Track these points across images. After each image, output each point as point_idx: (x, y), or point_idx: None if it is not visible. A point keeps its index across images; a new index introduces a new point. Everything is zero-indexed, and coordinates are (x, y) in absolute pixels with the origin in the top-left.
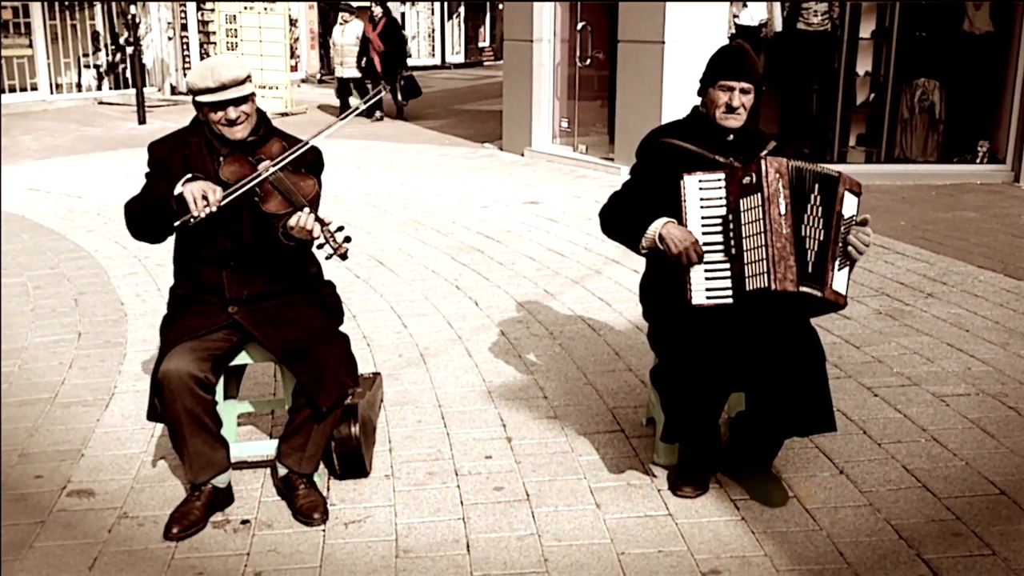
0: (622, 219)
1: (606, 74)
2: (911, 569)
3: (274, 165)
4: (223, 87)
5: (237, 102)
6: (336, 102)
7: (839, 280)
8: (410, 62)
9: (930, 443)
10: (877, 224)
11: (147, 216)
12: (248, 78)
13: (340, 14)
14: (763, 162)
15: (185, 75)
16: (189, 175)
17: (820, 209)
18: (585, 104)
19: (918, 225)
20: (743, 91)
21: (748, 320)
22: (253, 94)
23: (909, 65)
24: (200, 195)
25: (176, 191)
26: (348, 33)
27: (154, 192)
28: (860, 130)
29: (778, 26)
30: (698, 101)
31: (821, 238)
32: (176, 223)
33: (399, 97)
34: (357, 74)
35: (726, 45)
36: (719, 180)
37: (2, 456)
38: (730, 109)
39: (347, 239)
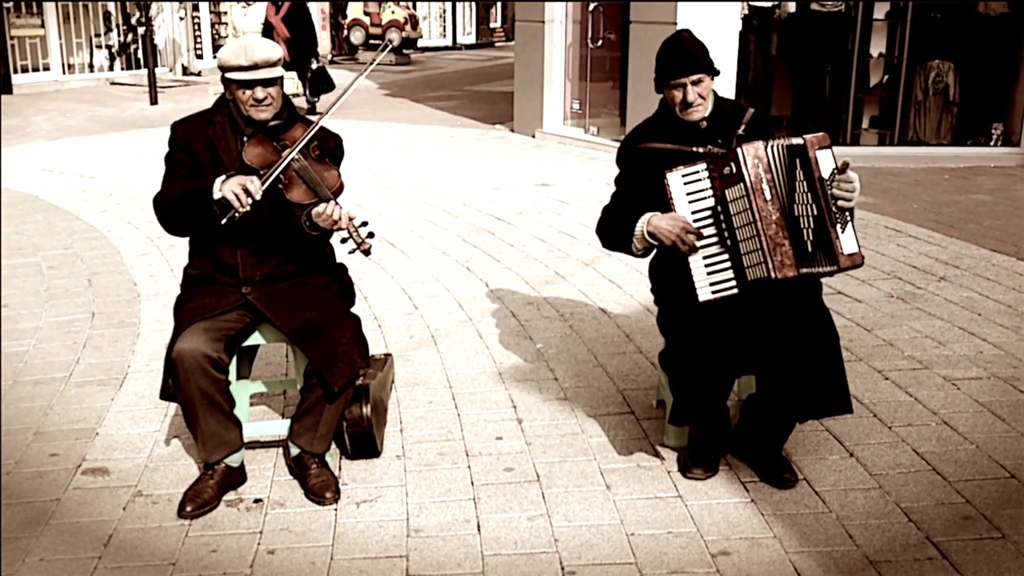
0: (615, 230)
1: (618, 55)
2: (920, 552)
3: (297, 145)
4: (255, 66)
5: (266, 83)
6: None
7: (847, 242)
8: (421, 43)
9: (941, 426)
10: (890, 207)
11: (187, 216)
12: (279, 61)
13: None
14: (739, 151)
15: (197, 56)
16: (223, 176)
17: (806, 184)
18: (597, 86)
19: (931, 208)
20: (694, 83)
21: (758, 301)
22: (282, 78)
23: (923, 47)
24: (241, 190)
25: (216, 195)
26: (251, 18)
27: (187, 189)
28: (873, 112)
29: (792, 7)
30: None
31: (815, 213)
32: (224, 221)
33: (306, 92)
34: None
35: (665, 41)
36: (701, 171)
37: (17, 435)
38: (687, 105)
39: (371, 235)
